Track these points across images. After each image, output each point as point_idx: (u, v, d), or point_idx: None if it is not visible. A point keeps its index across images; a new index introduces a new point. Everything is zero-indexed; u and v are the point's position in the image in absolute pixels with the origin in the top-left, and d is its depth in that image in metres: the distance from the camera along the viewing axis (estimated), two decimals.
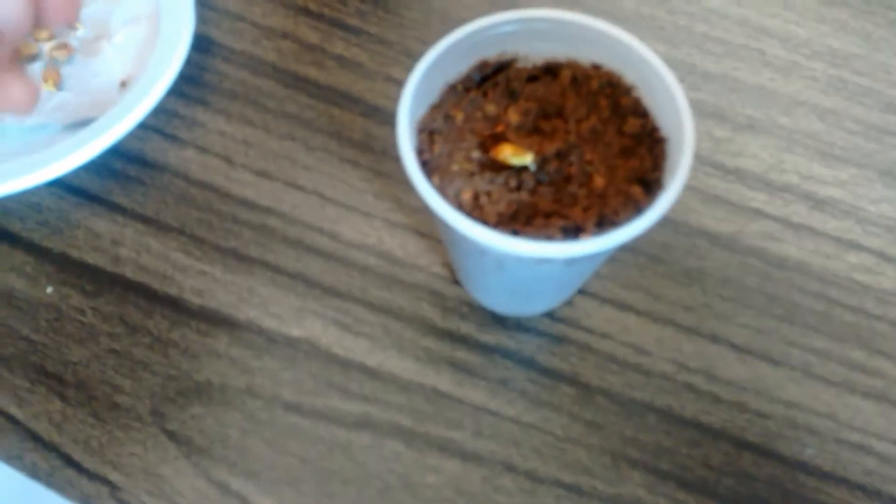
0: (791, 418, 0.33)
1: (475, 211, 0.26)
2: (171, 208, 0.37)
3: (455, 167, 0.27)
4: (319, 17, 0.42)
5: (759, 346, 0.34)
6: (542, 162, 0.27)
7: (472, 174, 0.27)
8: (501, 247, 0.24)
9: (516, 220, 0.26)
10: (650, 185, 0.26)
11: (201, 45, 0.41)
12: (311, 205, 0.37)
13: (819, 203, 0.38)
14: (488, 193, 0.26)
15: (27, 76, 0.26)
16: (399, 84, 0.40)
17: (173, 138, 0.38)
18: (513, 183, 0.27)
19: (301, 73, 0.40)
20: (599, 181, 0.26)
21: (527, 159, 0.27)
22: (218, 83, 0.40)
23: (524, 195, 0.26)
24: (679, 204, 0.37)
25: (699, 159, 0.39)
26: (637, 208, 0.26)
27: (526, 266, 0.26)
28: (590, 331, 0.34)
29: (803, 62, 0.42)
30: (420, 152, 0.27)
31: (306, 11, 0.42)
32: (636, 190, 0.26)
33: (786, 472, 0.32)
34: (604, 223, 0.26)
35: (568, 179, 0.27)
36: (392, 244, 0.36)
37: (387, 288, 0.35)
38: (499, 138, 0.27)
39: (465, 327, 0.34)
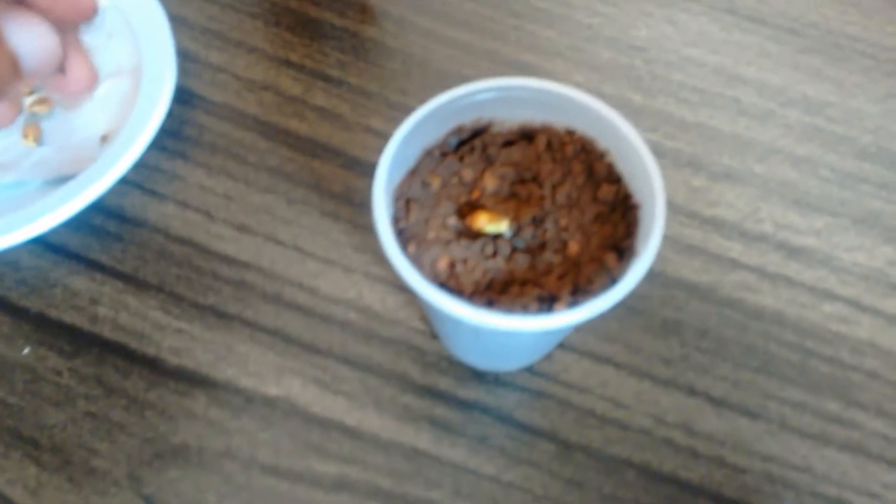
0: (768, 472, 0.33)
1: (451, 280, 0.26)
2: (150, 265, 0.36)
3: (431, 235, 0.27)
4: (301, 68, 0.42)
5: (737, 398, 0.34)
6: (517, 228, 0.27)
7: (448, 242, 0.27)
8: (476, 321, 0.24)
9: (492, 289, 0.26)
10: (623, 251, 0.26)
11: (182, 97, 0.41)
12: (291, 259, 0.37)
13: (794, 252, 0.38)
14: (464, 261, 0.26)
15: (86, 56, 0.25)
16: (379, 135, 0.40)
17: (153, 193, 0.38)
18: (489, 250, 0.27)
19: (282, 125, 0.40)
20: (574, 248, 0.27)
21: (502, 227, 0.27)
22: (199, 136, 0.40)
23: (500, 262, 0.26)
24: (656, 255, 0.38)
25: (676, 209, 0.39)
26: (610, 276, 0.26)
27: (502, 334, 0.26)
28: (568, 385, 0.34)
29: (778, 110, 0.42)
30: (396, 220, 0.27)
31: (288, 63, 0.42)
32: (610, 257, 0.26)
33: None
34: (578, 292, 0.26)
35: (543, 246, 0.27)
36: (371, 298, 0.36)
37: (366, 343, 0.35)
38: (475, 205, 0.28)
39: (445, 383, 0.34)
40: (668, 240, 0.38)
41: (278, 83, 0.41)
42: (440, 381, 0.34)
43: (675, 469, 0.33)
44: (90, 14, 0.23)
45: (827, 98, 0.43)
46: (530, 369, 0.35)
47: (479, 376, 0.34)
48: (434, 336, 0.35)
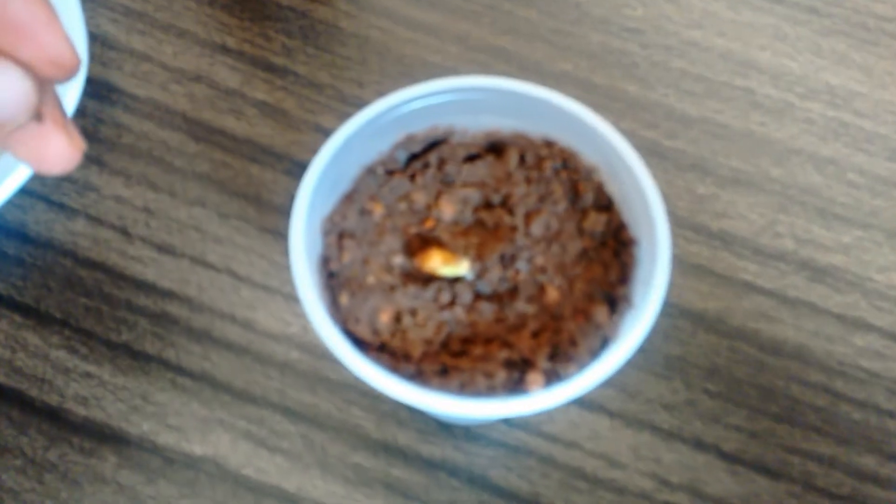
0: None
1: (395, 338, 0.20)
2: (55, 294, 0.31)
3: (371, 279, 0.21)
4: (239, 55, 0.36)
5: (753, 453, 0.29)
6: (482, 269, 0.21)
7: (392, 288, 0.21)
8: (422, 405, 0.18)
9: (448, 350, 0.20)
10: (616, 301, 0.21)
11: (97, 91, 0.34)
12: (223, 286, 0.31)
13: (819, 273, 0.32)
14: (413, 312, 0.21)
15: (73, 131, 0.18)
16: (330, 135, 0.34)
17: (61, 207, 0.32)
18: (444, 298, 0.21)
19: (216, 123, 0.34)
20: (553, 295, 0.21)
21: (462, 268, 0.21)
22: (116, 138, 0.34)
23: (459, 314, 0.21)
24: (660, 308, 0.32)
25: (678, 221, 0.33)
26: (601, 336, 0.20)
27: None
28: (553, 439, 0.29)
29: (798, 103, 0.36)
30: (326, 260, 0.21)
31: (224, 49, 0.36)
32: (599, 309, 0.20)
33: None
34: (558, 355, 0.20)
35: (514, 292, 0.21)
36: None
37: (310, 389, 0.29)
38: (428, 239, 0.22)
39: (404, 437, 0.29)
40: None
41: (212, 74, 0.35)
42: (398, 436, 0.29)
43: None
44: (72, 70, 0.17)
45: (854, 88, 0.37)
46: (507, 420, 0.29)
47: (445, 429, 0.29)
48: None
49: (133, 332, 0.30)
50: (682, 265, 0.32)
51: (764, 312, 0.32)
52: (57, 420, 0.29)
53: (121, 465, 0.28)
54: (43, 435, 0.28)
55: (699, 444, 0.29)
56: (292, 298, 0.31)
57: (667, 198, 0.34)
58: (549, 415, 0.29)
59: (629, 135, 0.35)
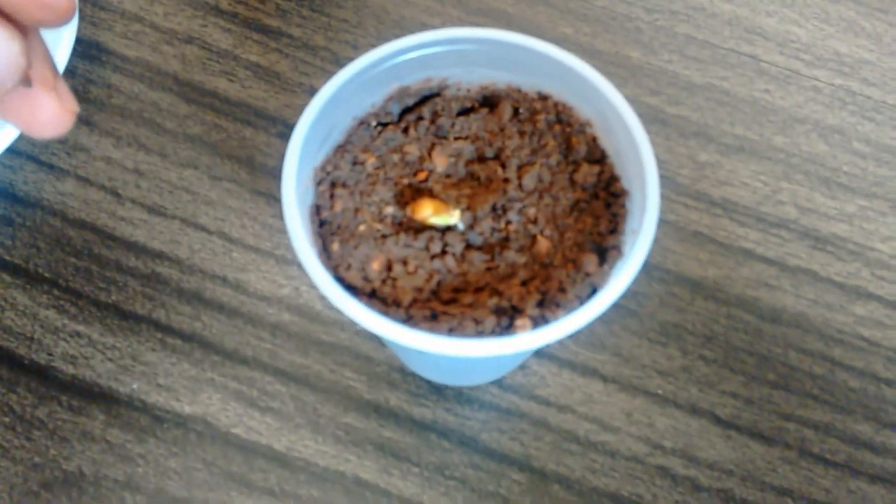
0: None
1: (386, 285, 0.22)
2: (44, 254, 0.32)
3: (362, 228, 0.22)
4: (233, 16, 0.37)
5: (748, 419, 0.30)
6: (473, 220, 0.23)
7: (383, 237, 0.22)
8: (411, 345, 0.19)
9: (438, 297, 0.22)
10: (606, 251, 0.22)
11: (88, 52, 0.36)
12: (214, 248, 0.32)
13: (821, 241, 0.34)
14: (403, 261, 0.22)
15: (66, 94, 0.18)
16: None
17: (50, 167, 0.33)
18: (435, 247, 0.22)
19: (208, 85, 0.35)
20: (544, 245, 0.22)
21: (453, 218, 0.22)
22: (106, 99, 0.35)
23: (450, 263, 0.22)
24: (654, 243, 0.33)
25: (679, 189, 0.34)
26: (590, 283, 0.21)
27: (451, 356, 0.22)
28: (546, 402, 0.30)
29: (804, 70, 0.37)
30: (318, 209, 0.23)
31: (217, 10, 0.37)
32: (589, 259, 0.22)
33: None
34: (546, 302, 0.21)
35: (505, 242, 0.22)
36: (311, 296, 0.31)
37: (302, 351, 0.31)
38: (420, 190, 0.23)
39: (396, 399, 0.30)
40: (669, 226, 0.34)
41: (204, 35, 0.36)
42: (390, 397, 0.30)
43: None
44: (64, 13, 0.17)
45: (862, 56, 0.38)
46: (499, 383, 0.30)
47: (437, 391, 0.30)
48: (384, 343, 0.31)
49: (123, 293, 0.31)
50: (682, 232, 0.34)
51: (764, 280, 0.33)
52: (45, 378, 0.30)
53: (110, 424, 0.29)
54: (32, 393, 0.30)
55: (694, 410, 0.30)
56: (284, 261, 0.32)
57: (668, 165, 0.35)
58: (543, 378, 0.30)
59: (632, 101, 0.36)
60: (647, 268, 0.33)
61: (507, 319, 0.21)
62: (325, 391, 0.30)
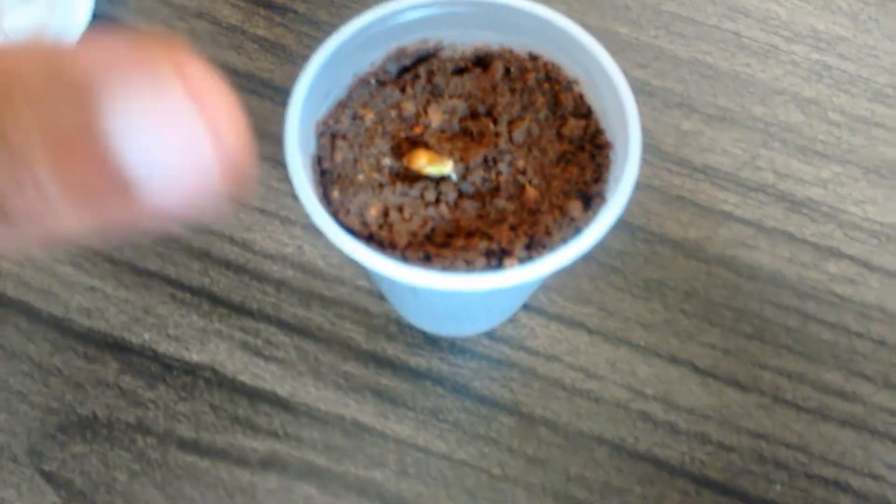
0: (758, 451, 0.30)
1: (382, 230, 0.23)
2: None
3: (361, 177, 0.24)
4: None
5: (725, 368, 0.32)
6: (465, 171, 0.24)
7: (381, 186, 0.23)
8: (404, 279, 0.20)
9: (431, 241, 0.23)
10: (591, 198, 0.23)
11: (103, 27, 0.37)
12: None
13: (797, 204, 0.35)
14: (399, 208, 0.23)
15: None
16: None
17: None
18: (430, 196, 0.23)
19: (217, 58, 0.36)
20: (532, 193, 0.23)
21: (446, 168, 0.23)
22: None
23: (443, 210, 0.23)
24: (638, 206, 0.34)
25: (663, 155, 0.36)
26: (575, 227, 0.23)
27: (443, 295, 0.23)
28: (534, 352, 0.31)
29: (783, 45, 0.39)
30: (319, 160, 0.24)
31: None
32: (574, 205, 0.23)
33: None
34: (534, 245, 0.22)
35: (496, 191, 0.24)
36: (313, 254, 0.33)
37: (304, 305, 0.32)
38: (416, 142, 0.24)
39: (393, 349, 0.31)
40: (653, 190, 0.35)
41: (214, 11, 0.38)
42: (388, 348, 0.31)
43: (652, 447, 0.30)
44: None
45: (839, 33, 0.39)
46: (491, 334, 0.32)
47: (432, 342, 0.31)
48: (382, 297, 0.32)
49: (136, 250, 0.33)
50: (666, 196, 0.35)
51: (742, 241, 0.34)
52: (62, 329, 0.31)
53: (122, 371, 0.31)
54: (48, 342, 0.31)
55: (674, 360, 0.32)
56: (289, 221, 0.33)
57: (653, 134, 0.36)
58: (532, 330, 0.32)
59: None
60: (632, 228, 0.34)
61: (496, 261, 0.22)
62: (326, 341, 0.31)
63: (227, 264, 0.32)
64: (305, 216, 0.32)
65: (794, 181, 0.35)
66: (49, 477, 0.29)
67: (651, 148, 0.36)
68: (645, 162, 0.36)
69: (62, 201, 0.11)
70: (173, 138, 0.11)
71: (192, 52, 0.12)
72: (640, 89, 0.37)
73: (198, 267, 0.32)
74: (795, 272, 0.33)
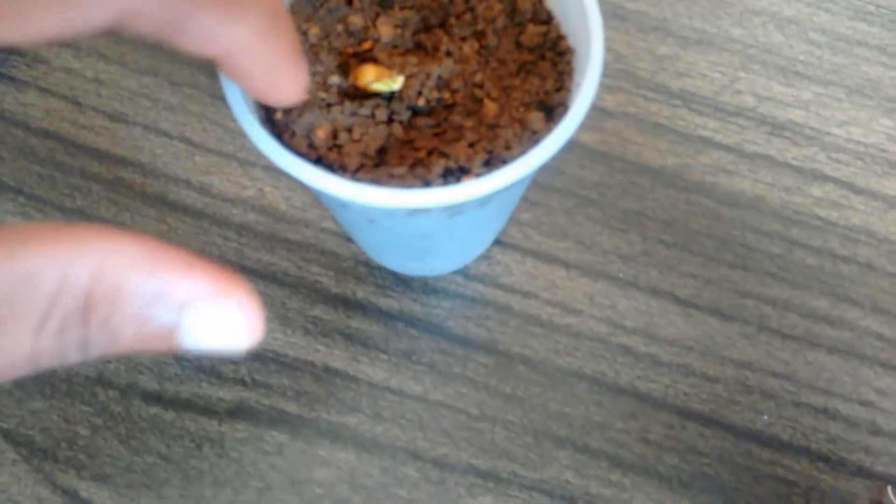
0: (743, 381, 0.28)
1: (332, 152, 0.21)
2: (8, 164, 0.31)
3: (307, 97, 0.21)
4: None
5: (707, 298, 0.30)
6: (419, 87, 0.21)
7: (328, 105, 0.21)
8: (354, 198, 0.18)
9: (385, 163, 0.21)
10: (552, 109, 0.21)
11: None
12: (177, 153, 0.31)
13: (778, 128, 0.33)
14: (349, 129, 0.21)
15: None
16: None
17: (10, 79, 0.32)
18: (381, 115, 0.21)
19: None
20: (491, 107, 0.21)
21: (396, 84, 0.21)
22: None
23: (396, 130, 0.21)
24: (615, 135, 0.32)
25: (639, 81, 0.33)
26: (536, 140, 0.20)
27: (400, 219, 0.21)
28: (510, 289, 0.29)
29: None
30: None
31: None
32: (535, 116, 0.21)
33: (737, 445, 0.28)
34: (493, 161, 0.20)
35: (452, 107, 0.21)
36: (275, 196, 0.30)
37: (268, 250, 0.30)
38: (365, 58, 0.22)
39: (363, 291, 0.29)
40: (629, 118, 0.33)
41: None
42: (357, 290, 0.29)
43: (634, 380, 0.28)
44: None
45: None
46: (464, 272, 0.30)
47: (403, 283, 0.29)
48: (350, 239, 0.30)
49: (87, 198, 0.30)
50: (643, 124, 0.33)
51: (722, 167, 0.32)
52: None
53: None
54: None
55: (654, 291, 0.30)
56: (248, 163, 0.31)
57: (628, 59, 0.34)
58: (506, 267, 0.30)
59: None
60: (608, 159, 0.32)
61: (454, 179, 0.20)
62: (293, 286, 0.29)
63: (185, 210, 0.30)
64: (266, 159, 0.30)
65: (774, 104, 0.33)
66: (7, 434, 0.27)
67: (626, 74, 0.33)
68: (620, 89, 0.33)
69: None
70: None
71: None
72: (612, 14, 0.35)
73: (154, 213, 0.30)
74: (778, 197, 0.31)
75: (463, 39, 0.22)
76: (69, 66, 0.32)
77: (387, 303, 0.29)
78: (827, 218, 0.31)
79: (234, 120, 0.31)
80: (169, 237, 0.30)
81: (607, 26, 0.34)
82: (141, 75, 0.32)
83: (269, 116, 0.21)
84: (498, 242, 0.30)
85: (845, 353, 0.29)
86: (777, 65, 0.34)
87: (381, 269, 0.30)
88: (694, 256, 0.30)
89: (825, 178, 0.32)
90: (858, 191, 0.32)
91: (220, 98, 0.32)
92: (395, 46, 0.22)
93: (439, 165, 0.20)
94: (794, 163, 0.32)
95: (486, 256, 0.30)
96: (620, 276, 0.30)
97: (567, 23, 0.22)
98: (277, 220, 0.30)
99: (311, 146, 0.21)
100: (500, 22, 0.22)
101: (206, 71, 0.32)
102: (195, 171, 0.31)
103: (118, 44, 0.33)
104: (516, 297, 0.29)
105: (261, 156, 0.31)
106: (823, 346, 0.29)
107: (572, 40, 0.21)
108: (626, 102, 0.33)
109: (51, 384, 0.28)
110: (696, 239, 0.31)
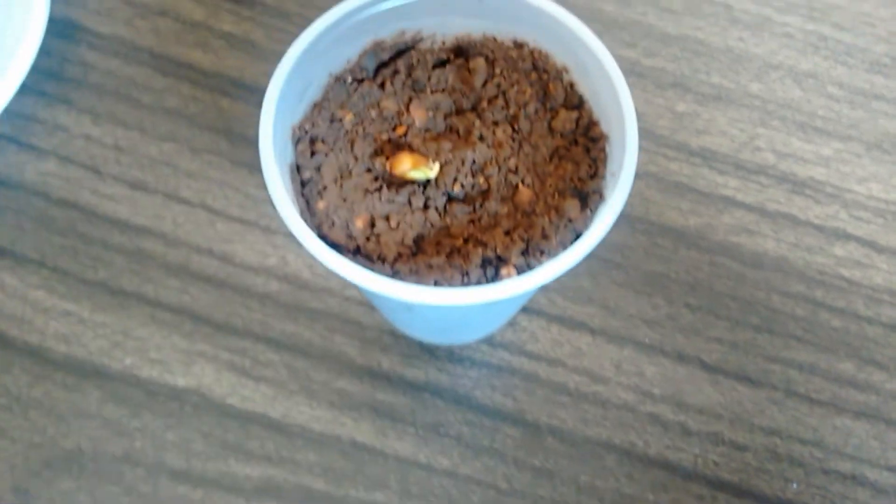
0: (772, 448, 0.29)
1: (370, 242, 0.21)
2: (30, 235, 0.31)
3: (344, 185, 0.21)
4: None
5: (734, 363, 0.30)
6: (455, 173, 0.22)
7: (366, 192, 0.21)
8: (398, 296, 0.19)
9: (423, 252, 0.21)
10: (587, 196, 0.21)
11: (62, 30, 0.34)
12: (198, 221, 0.31)
13: (799, 186, 0.33)
14: (387, 217, 0.21)
15: None
16: None
17: (30, 148, 0.32)
18: (417, 202, 0.21)
19: (183, 57, 0.34)
20: (526, 194, 0.21)
21: (432, 171, 0.21)
22: (83, 76, 0.34)
23: (433, 216, 0.21)
24: (636, 195, 0.32)
25: (659, 140, 0.34)
26: (573, 228, 0.21)
27: (439, 307, 0.21)
28: (536, 357, 0.30)
29: (776, 17, 0.37)
30: (299, 169, 0.22)
31: None
32: (571, 204, 0.21)
33: None
34: (530, 250, 0.21)
35: (487, 193, 0.22)
36: (298, 264, 0.31)
37: (292, 319, 0.30)
38: (399, 144, 0.22)
39: (388, 362, 0.29)
40: (650, 177, 0.33)
41: (177, 7, 0.35)
42: (382, 360, 0.29)
43: (664, 450, 0.28)
44: None
45: (832, 1, 0.37)
46: (490, 340, 0.30)
47: (429, 352, 0.30)
48: (374, 307, 0.30)
49: (110, 270, 0.30)
50: (663, 183, 0.33)
51: (745, 226, 0.32)
52: (39, 358, 0.29)
53: (105, 400, 0.29)
54: (26, 373, 0.29)
55: (681, 357, 0.30)
56: (270, 230, 0.31)
57: (647, 117, 0.34)
58: (532, 334, 0.30)
59: None
60: (631, 220, 0.32)
61: (492, 269, 0.20)
62: (318, 357, 0.29)
63: (208, 279, 0.30)
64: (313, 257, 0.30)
65: (794, 161, 0.34)
66: None
67: (645, 132, 0.34)
68: (640, 147, 0.33)
69: None
70: None
71: None
72: (629, 70, 0.35)
73: (176, 284, 0.30)
74: (801, 257, 0.32)
75: (496, 124, 0.22)
76: (88, 132, 0.33)
77: (413, 373, 0.29)
78: (850, 278, 0.31)
79: (255, 187, 0.32)
80: (192, 308, 0.30)
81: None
82: (161, 142, 0.32)
83: (309, 205, 0.21)
84: (523, 309, 0.30)
85: (872, 417, 0.29)
86: (796, 120, 0.34)
87: (406, 337, 0.30)
88: (719, 320, 0.30)
89: (847, 237, 0.32)
90: (880, 249, 0.32)
91: (241, 164, 0.32)
92: (428, 130, 0.22)
93: (477, 255, 0.20)
94: (816, 221, 0.32)
95: (511, 323, 0.30)
96: (647, 341, 0.30)
97: (599, 108, 0.22)
98: (301, 288, 0.30)
99: (350, 236, 0.21)
100: (532, 106, 0.22)
101: (226, 136, 0.33)
102: (217, 239, 0.31)
103: (137, 109, 0.33)
104: (542, 365, 0.30)
105: (282, 223, 0.31)
106: (850, 411, 0.29)
107: (605, 125, 0.22)
108: (646, 161, 0.33)
109: (78, 463, 0.28)
110: (722, 301, 0.31)
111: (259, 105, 0.33)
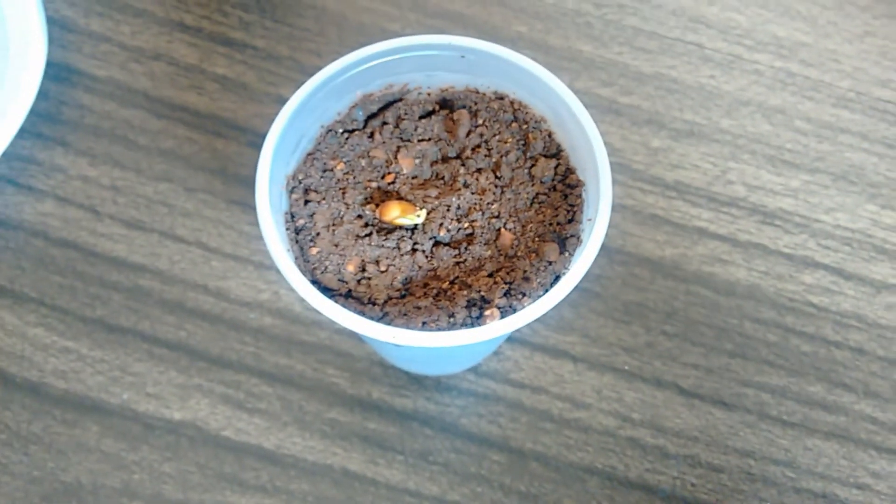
0: (747, 469, 0.30)
1: (361, 285, 0.22)
2: (29, 274, 0.32)
3: (336, 232, 0.23)
4: (198, 31, 0.37)
5: (709, 388, 0.32)
6: (441, 219, 0.23)
7: (357, 238, 0.23)
8: (388, 339, 0.20)
9: (411, 293, 0.22)
10: (566, 240, 0.23)
11: (59, 74, 0.36)
12: (193, 258, 0.33)
13: (769, 216, 0.35)
14: (377, 262, 0.23)
15: None
16: None
17: (29, 189, 0.34)
18: (406, 246, 0.23)
19: (177, 100, 0.36)
20: (508, 238, 0.23)
21: (419, 218, 0.23)
22: (80, 119, 0.35)
23: (420, 260, 0.23)
24: (613, 227, 0.34)
25: (635, 174, 0.35)
26: (552, 271, 0.22)
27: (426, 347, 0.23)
28: (520, 385, 0.31)
29: (746, 55, 0.39)
30: (293, 217, 0.23)
31: (182, 26, 0.37)
32: (550, 248, 0.23)
33: None
34: (512, 292, 0.22)
35: (471, 237, 0.23)
36: (290, 299, 0.32)
37: (284, 352, 0.31)
38: (388, 192, 0.24)
39: (378, 392, 0.31)
40: (627, 211, 0.35)
41: (171, 51, 0.37)
42: (372, 391, 0.31)
43: (643, 473, 0.30)
44: None
45: (800, 39, 0.39)
46: (475, 370, 0.31)
47: (417, 382, 0.31)
48: (363, 340, 0.31)
49: (107, 307, 0.32)
50: (639, 216, 0.35)
51: (718, 256, 0.34)
52: (38, 394, 0.30)
53: (103, 434, 0.30)
54: (26, 409, 0.30)
55: (659, 383, 0.31)
56: (263, 267, 0.33)
57: (623, 153, 0.36)
58: (516, 363, 0.31)
59: (585, 93, 0.37)
60: (609, 251, 0.34)
61: (477, 310, 0.22)
62: (310, 389, 0.31)
63: (203, 315, 0.32)
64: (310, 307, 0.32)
65: (764, 193, 0.35)
66: None
67: (622, 167, 0.36)
68: (617, 182, 0.35)
69: None
70: None
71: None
72: (607, 108, 0.37)
73: (172, 320, 0.31)
74: (772, 285, 0.34)
75: (479, 171, 0.24)
76: (86, 173, 0.34)
77: (402, 402, 0.31)
78: (819, 304, 0.33)
79: (248, 224, 0.33)
80: (188, 344, 0.31)
81: (602, 121, 0.36)
82: (156, 182, 0.34)
83: (303, 252, 0.23)
84: (507, 339, 0.32)
85: (842, 437, 0.31)
86: (766, 154, 0.36)
87: (394, 368, 0.31)
88: (695, 346, 0.32)
89: (816, 265, 0.34)
90: (847, 276, 0.34)
91: (235, 203, 0.34)
92: (415, 177, 0.24)
93: (462, 297, 0.22)
94: (786, 250, 0.34)
95: (496, 353, 0.32)
96: (626, 368, 0.32)
97: (576, 156, 0.24)
98: (293, 322, 0.32)
99: (342, 281, 0.22)
100: (513, 155, 0.24)
101: (220, 176, 0.34)
102: (212, 276, 0.32)
103: (133, 150, 0.34)
104: (526, 393, 0.31)
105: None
106: (821, 432, 0.31)
107: (581, 173, 0.23)
108: (623, 195, 0.35)
109: (77, 497, 0.29)
110: (697, 329, 0.32)
111: (252, 145, 0.35)
